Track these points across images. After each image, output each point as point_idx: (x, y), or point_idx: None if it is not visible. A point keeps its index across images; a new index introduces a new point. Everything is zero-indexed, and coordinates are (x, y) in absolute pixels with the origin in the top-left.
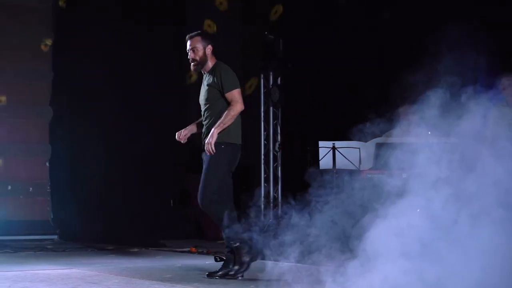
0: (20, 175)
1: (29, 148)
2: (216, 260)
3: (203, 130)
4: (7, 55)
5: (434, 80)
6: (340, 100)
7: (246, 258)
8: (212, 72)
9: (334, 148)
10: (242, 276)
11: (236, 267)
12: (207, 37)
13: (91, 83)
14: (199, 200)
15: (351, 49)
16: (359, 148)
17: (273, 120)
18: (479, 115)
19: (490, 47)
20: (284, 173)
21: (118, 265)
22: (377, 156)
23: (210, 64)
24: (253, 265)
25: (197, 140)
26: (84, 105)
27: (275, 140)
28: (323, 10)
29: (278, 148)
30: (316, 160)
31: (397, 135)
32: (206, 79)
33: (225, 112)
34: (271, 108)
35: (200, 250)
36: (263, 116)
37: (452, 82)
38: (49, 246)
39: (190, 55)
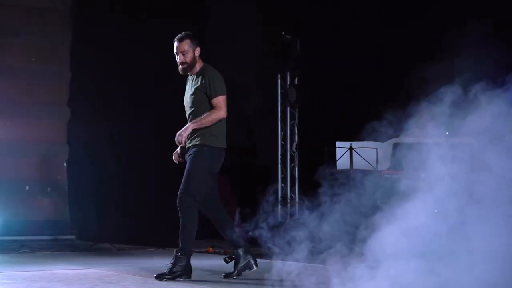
0: (38, 176)
1: (47, 148)
2: (226, 262)
3: None
4: (26, 55)
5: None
6: (357, 100)
7: (178, 270)
8: (200, 75)
9: (351, 148)
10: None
11: (165, 272)
12: (195, 40)
13: (109, 83)
14: (177, 200)
15: (369, 49)
16: (376, 149)
17: (290, 120)
18: (497, 114)
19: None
20: (301, 173)
21: (135, 265)
22: (394, 156)
23: (197, 66)
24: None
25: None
26: (101, 105)
27: (292, 141)
28: (340, 10)
29: (295, 148)
30: (333, 160)
31: (415, 135)
32: (193, 82)
33: (207, 113)
34: (288, 108)
35: (217, 250)
36: (280, 116)
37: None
38: (66, 246)
39: (180, 58)
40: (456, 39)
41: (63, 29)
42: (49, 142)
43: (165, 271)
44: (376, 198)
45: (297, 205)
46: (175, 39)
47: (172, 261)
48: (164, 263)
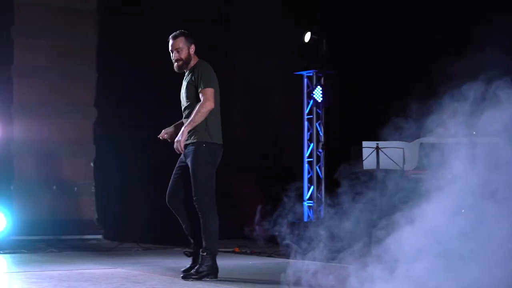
0: (65, 175)
1: (73, 148)
2: (187, 255)
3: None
4: (53, 56)
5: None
6: (384, 99)
7: (205, 269)
8: (193, 70)
9: (377, 148)
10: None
11: (192, 272)
12: (189, 37)
13: (134, 83)
14: (194, 203)
15: (395, 48)
16: (403, 148)
17: (316, 120)
18: None
19: None
20: (327, 173)
21: (162, 265)
22: (421, 156)
23: (192, 63)
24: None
25: (241, 140)
26: (127, 105)
27: (318, 141)
28: (365, 9)
29: (321, 148)
30: (360, 160)
31: (441, 134)
32: (187, 78)
33: (195, 110)
34: (314, 109)
35: (243, 250)
36: (306, 117)
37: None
38: (94, 246)
39: (175, 55)
40: (483, 34)
41: (89, 30)
42: (75, 142)
43: (192, 271)
44: (401, 198)
45: (323, 205)
46: (170, 37)
47: (198, 261)
48: (190, 263)
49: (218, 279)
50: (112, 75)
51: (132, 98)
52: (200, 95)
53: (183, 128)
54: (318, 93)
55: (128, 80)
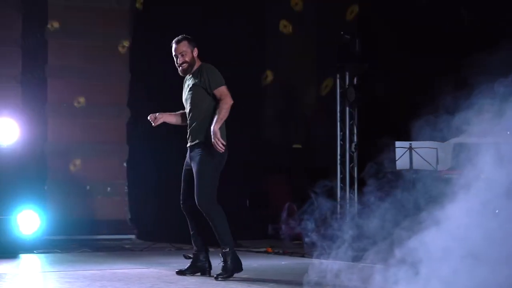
0: (98, 176)
1: (107, 148)
2: (185, 258)
3: (188, 131)
4: (87, 56)
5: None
6: (417, 99)
7: (231, 266)
8: (197, 72)
9: (411, 148)
10: (223, 279)
11: (221, 271)
12: (192, 41)
13: (167, 83)
14: (198, 205)
15: (428, 47)
16: (436, 148)
17: (349, 120)
18: None
19: None
20: (360, 173)
21: None
22: (454, 156)
23: (196, 66)
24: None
25: (273, 141)
26: (160, 105)
27: (351, 141)
28: (398, 8)
29: (354, 148)
30: (393, 160)
31: (475, 134)
32: (191, 80)
33: (219, 108)
34: (347, 109)
35: (276, 250)
36: (339, 117)
37: None
38: (126, 246)
39: (180, 59)
40: None
41: (123, 30)
42: (109, 142)
43: (221, 270)
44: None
45: (356, 205)
46: (174, 42)
47: (222, 260)
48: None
49: (251, 279)
50: (145, 75)
51: (166, 98)
52: (217, 94)
53: (213, 127)
54: (351, 93)
55: (162, 80)
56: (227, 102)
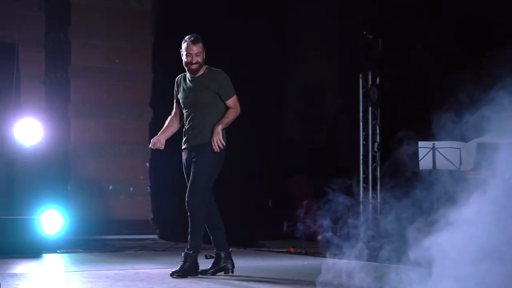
0: (121, 176)
1: (129, 148)
2: (206, 258)
3: (190, 132)
4: (109, 56)
5: None
6: (440, 100)
7: (188, 267)
8: (208, 76)
9: (434, 148)
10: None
11: (178, 269)
12: (204, 42)
13: None
14: (186, 202)
15: (450, 48)
16: (459, 148)
17: (372, 120)
18: None
19: None
20: (382, 173)
21: None
22: (478, 156)
23: (202, 68)
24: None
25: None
26: None
27: (374, 141)
28: (421, 8)
29: (377, 148)
30: (416, 160)
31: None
32: (199, 82)
33: (229, 112)
34: (370, 108)
35: (298, 251)
36: (362, 116)
37: None
38: (149, 246)
39: (194, 58)
40: None
41: (145, 31)
42: (131, 142)
43: (178, 268)
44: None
45: (378, 205)
46: (189, 41)
47: (182, 260)
48: (245, 263)
49: (273, 279)
50: (168, 75)
51: None
52: (231, 104)
53: (217, 126)
54: (373, 93)
55: None
56: (237, 112)
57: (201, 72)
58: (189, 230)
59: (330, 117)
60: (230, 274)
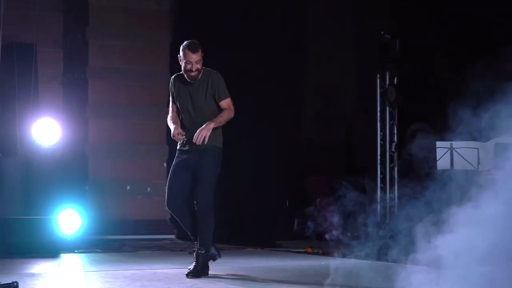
0: (139, 176)
1: (147, 149)
2: (190, 253)
3: (191, 134)
4: (127, 57)
5: None
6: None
7: (201, 268)
8: (206, 79)
9: (451, 148)
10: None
11: (192, 270)
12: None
13: None
14: (199, 203)
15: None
16: (477, 149)
17: (390, 120)
18: None
19: None
20: (400, 173)
21: (234, 265)
22: (496, 157)
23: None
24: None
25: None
26: None
27: (391, 141)
28: (439, 7)
29: (395, 148)
30: (434, 160)
31: None
32: (198, 86)
33: (223, 113)
34: (387, 108)
35: (316, 251)
36: (380, 116)
37: None
38: (166, 246)
39: (195, 66)
40: None
41: (163, 31)
42: (149, 142)
43: (192, 269)
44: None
45: (396, 205)
46: (188, 49)
47: (195, 260)
48: (262, 263)
49: (291, 279)
50: None
51: None
52: (225, 105)
53: (209, 123)
54: (391, 93)
55: None
56: (231, 114)
57: (199, 76)
58: (200, 229)
59: (348, 117)
60: (218, 259)
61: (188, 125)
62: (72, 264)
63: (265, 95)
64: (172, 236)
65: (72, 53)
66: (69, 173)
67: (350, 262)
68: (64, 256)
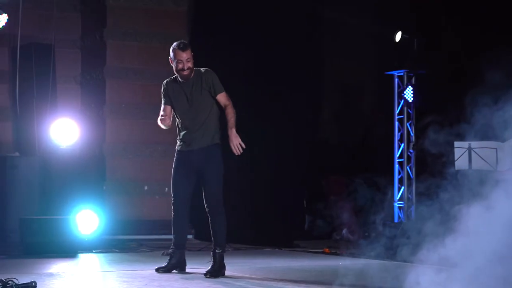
0: (156, 176)
1: (164, 149)
2: (163, 254)
3: (193, 134)
4: (144, 57)
5: None
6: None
7: (219, 267)
8: (199, 77)
9: (470, 149)
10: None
11: (210, 270)
12: None
13: (225, 84)
14: (212, 204)
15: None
16: (496, 149)
17: (407, 120)
18: None
19: None
20: (418, 174)
21: (252, 265)
22: None
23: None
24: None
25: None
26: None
27: (409, 141)
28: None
29: (412, 148)
30: (452, 160)
31: None
32: (192, 85)
33: (230, 113)
34: (405, 109)
35: (333, 251)
36: (397, 117)
37: None
38: None
39: (186, 64)
40: None
41: (180, 31)
42: (166, 143)
43: (210, 269)
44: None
45: (414, 206)
46: (178, 48)
47: (212, 260)
48: (280, 263)
49: (308, 280)
50: None
51: None
52: (222, 99)
53: (233, 130)
54: (409, 93)
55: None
56: (233, 108)
57: (191, 75)
58: (214, 229)
59: (366, 117)
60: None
61: (188, 125)
62: (90, 264)
63: (284, 96)
64: (190, 236)
65: (90, 54)
66: (87, 173)
67: (364, 262)
68: (82, 256)
